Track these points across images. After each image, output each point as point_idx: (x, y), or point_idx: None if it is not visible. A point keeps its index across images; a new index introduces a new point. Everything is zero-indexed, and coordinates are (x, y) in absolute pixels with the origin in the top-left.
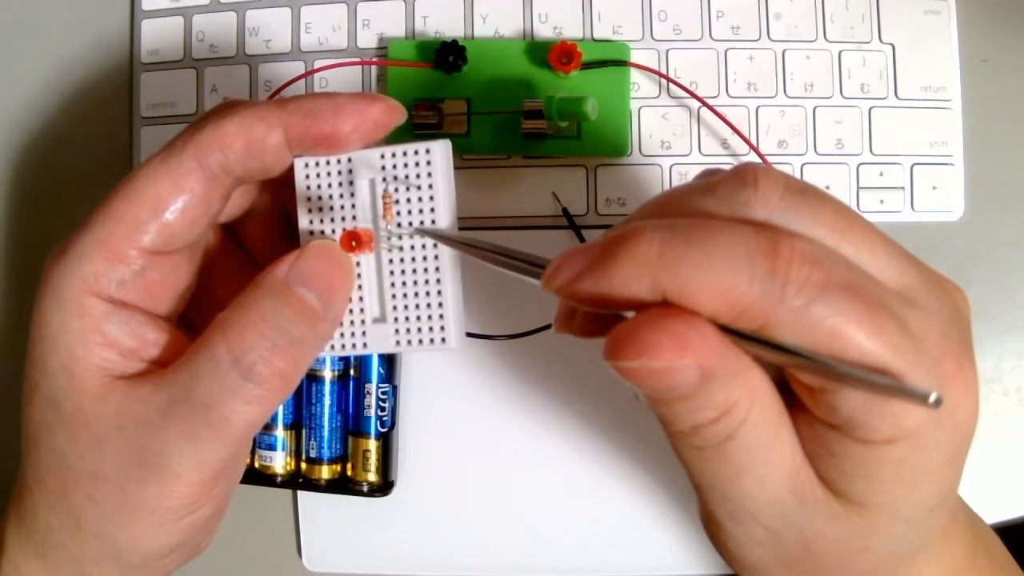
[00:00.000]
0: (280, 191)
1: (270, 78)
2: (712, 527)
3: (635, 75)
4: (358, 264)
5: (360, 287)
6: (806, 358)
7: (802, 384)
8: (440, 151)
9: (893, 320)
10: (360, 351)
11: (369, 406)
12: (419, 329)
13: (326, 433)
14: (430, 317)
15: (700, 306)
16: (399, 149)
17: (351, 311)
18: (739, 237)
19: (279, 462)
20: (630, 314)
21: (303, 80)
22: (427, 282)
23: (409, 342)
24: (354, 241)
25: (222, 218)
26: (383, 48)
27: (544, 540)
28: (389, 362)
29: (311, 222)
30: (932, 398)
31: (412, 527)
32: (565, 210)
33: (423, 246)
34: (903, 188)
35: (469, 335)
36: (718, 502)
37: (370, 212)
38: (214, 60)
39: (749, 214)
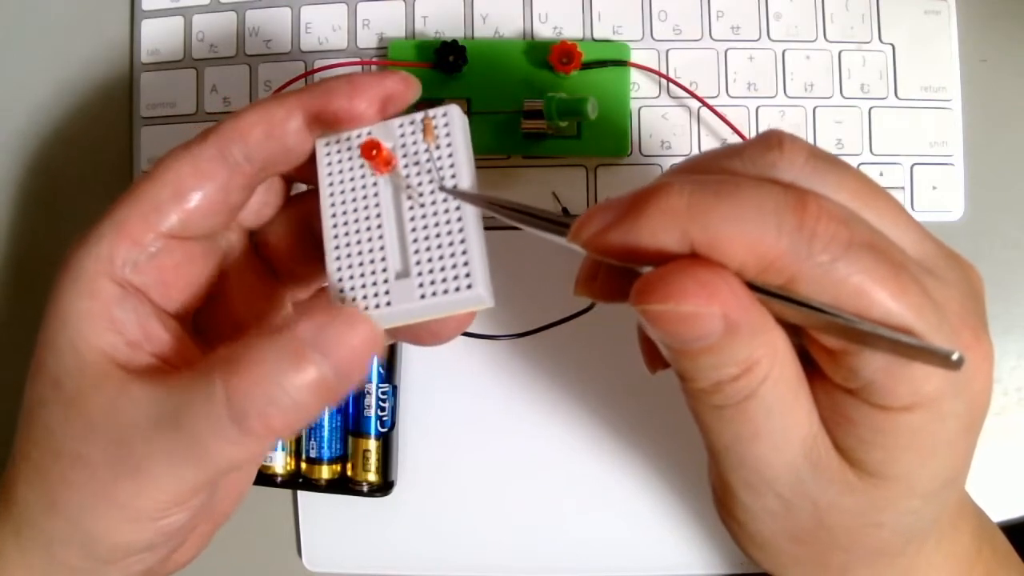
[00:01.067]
0: (305, 204)
1: (270, 78)
2: (724, 497)
3: (635, 75)
4: (377, 207)
5: (383, 247)
6: (831, 315)
7: (821, 348)
8: (457, 112)
9: (916, 283)
10: (384, 311)
11: (369, 406)
12: (444, 280)
13: (326, 433)
14: (455, 266)
15: (728, 258)
16: (417, 115)
17: (373, 271)
18: (768, 192)
19: (279, 462)
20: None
21: (303, 80)
22: (450, 233)
23: (434, 293)
24: (375, 150)
25: (247, 220)
26: (383, 48)
27: (544, 540)
28: (389, 362)
29: (332, 193)
30: (955, 356)
31: (412, 527)
32: (565, 210)
33: (444, 199)
34: (903, 188)
35: (469, 335)
36: (733, 467)
37: (390, 178)
38: (214, 60)
39: (776, 175)
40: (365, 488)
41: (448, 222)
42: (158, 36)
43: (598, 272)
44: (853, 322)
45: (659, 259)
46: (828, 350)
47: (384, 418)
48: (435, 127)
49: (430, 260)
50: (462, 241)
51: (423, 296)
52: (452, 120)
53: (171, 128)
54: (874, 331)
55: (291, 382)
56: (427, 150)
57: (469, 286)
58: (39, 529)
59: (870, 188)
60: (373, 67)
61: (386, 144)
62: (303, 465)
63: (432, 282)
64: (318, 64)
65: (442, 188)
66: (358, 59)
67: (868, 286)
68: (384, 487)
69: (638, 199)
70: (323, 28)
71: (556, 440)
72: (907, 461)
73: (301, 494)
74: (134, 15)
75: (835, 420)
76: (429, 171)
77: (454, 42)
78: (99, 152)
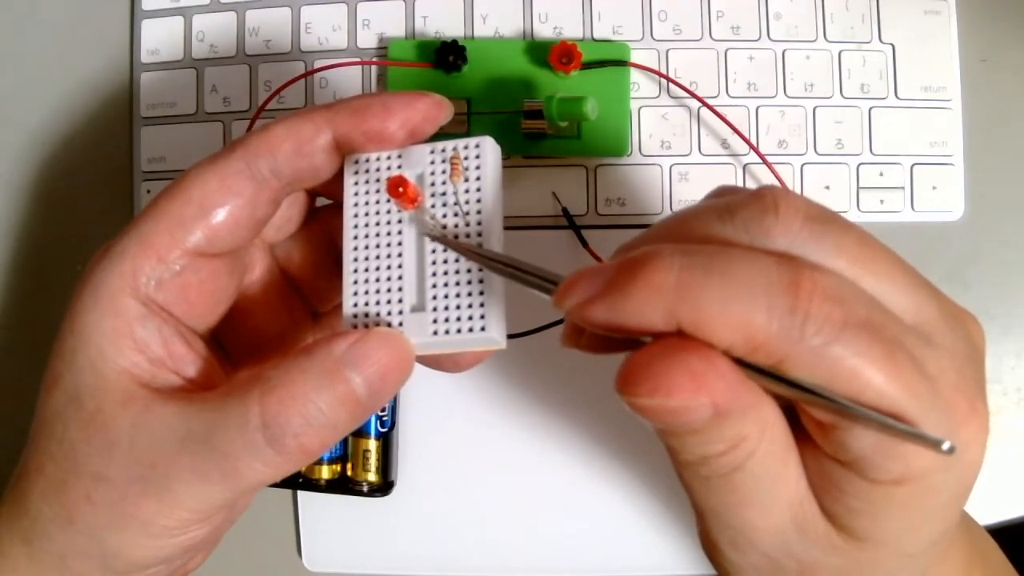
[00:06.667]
0: (328, 219)
1: (270, 78)
2: (711, 551)
3: (635, 75)
4: (400, 235)
5: (401, 277)
6: (822, 397)
7: (812, 418)
8: (490, 145)
9: (911, 362)
10: None
11: None
12: (458, 319)
13: None
14: (470, 306)
15: (716, 339)
16: (449, 144)
17: (389, 301)
18: (759, 269)
19: None
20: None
21: (303, 80)
22: (469, 271)
23: (447, 331)
24: (400, 187)
25: (269, 234)
26: (383, 48)
27: (543, 540)
28: None
29: (356, 215)
30: (946, 447)
31: (412, 527)
32: (565, 210)
33: (467, 236)
34: (903, 188)
35: None
36: (720, 528)
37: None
38: (214, 60)
39: (769, 244)
40: (365, 488)
41: (456, 242)
42: (158, 36)
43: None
44: (845, 405)
45: (643, 334)
46: (818, 422)
47: (384, 418)
48: (465, 159)
49: (446, 297)
50: (480, 281)
51: (435, 333)
52: (484, 153)
53: (171, 128)
54: (867, 415)
55: (325, 400)
56: (455, 193)
57: (483, 328)
58: (52, 541)
59: (870, 250)
60: (373, 67)
61: (414, 174)
62: None
63: (447, 319)
64: (318, 64)
65: (429, 235)
66: (358, 59)
67: (862, 369)
68: (384, 487)
69: (624, 270)
70: (323, 28)
71: (555, 440)
72: (894, 529)
73: (301, 494)
74: (134, 15)
75: (823, 486)
76: (456, 203)
77: (454, 42)
78: (99, 152)
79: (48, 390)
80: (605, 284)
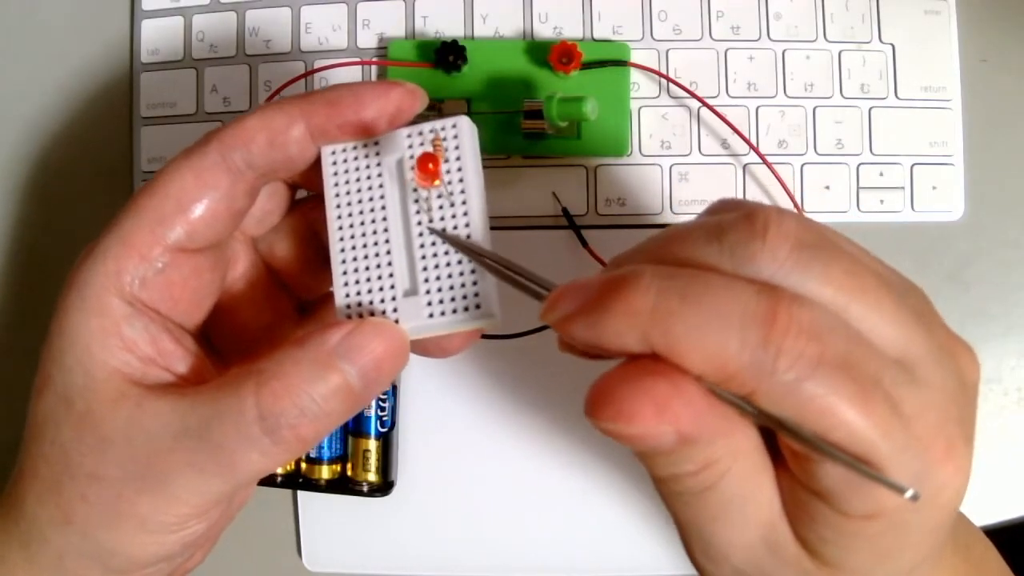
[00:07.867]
0: (310, 210)
1: (270, 78)
2: (691, 558)
3: (635, 75)
4: (384, 220)
5: (390, 263)
6: (792, 432)
7: (787, 445)
8: (466, 125)
9: (886, 401)
10: None
11: (369, 406)
12: (452, 299)
13: None
14: (463, 284)
15: (688, 366)
16: (426, 127)
17: (380, 288)
18: (736, 299)
19: None
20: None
21: (303, 80)
22: (459, 250)
23: (443, 312)
24: (431, 163)
25: (251, 228)
26: (383, 48)
27: (543, 540)
28: None
29: (339, 206)
30: (909, 495)
31: (412, 527)
32: (565, 210)
33: (452, 216)
34: (903, 188)
35: None
36: (694, 539)
37: (398, 192)
38: (214, 60)
39: (754, 271)
40: (365, 488)
41: (456, 239)
42: (158, 36)
43: None
44: (813, 443)
45: (621, 355)
46: (793, 449)
47: (384, 418)
48: (444, 139)
49: (438, 278)
50: (471, 260)
51: (431, 315)
52: (461, 133)
53: (171, 128)
54: (832, 454)
55: (319, 391)
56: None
57: (478, 305)
58: (51, 544)
59: (859, 279)
60: (373, 67)
61: (392, 159)
62: (303, 465)
63: (440, 300)
64: (318, 64)
65: (431, 231)
66: (358, 59)
67: (833, 408)
68: (384, 487)
69: (604, 290)
70: (323, 28)
71: (555, 440)
72: (865, 560)
73: (301, 494)
74: (134, 15)
75: (795, 512)
76: (438, 184)
77: (454, 42)
78: (99, 152)
79: (39, 392)
80: (586, 302)
